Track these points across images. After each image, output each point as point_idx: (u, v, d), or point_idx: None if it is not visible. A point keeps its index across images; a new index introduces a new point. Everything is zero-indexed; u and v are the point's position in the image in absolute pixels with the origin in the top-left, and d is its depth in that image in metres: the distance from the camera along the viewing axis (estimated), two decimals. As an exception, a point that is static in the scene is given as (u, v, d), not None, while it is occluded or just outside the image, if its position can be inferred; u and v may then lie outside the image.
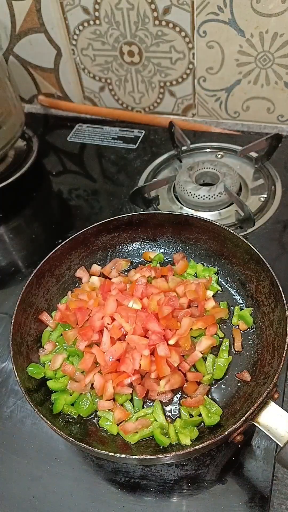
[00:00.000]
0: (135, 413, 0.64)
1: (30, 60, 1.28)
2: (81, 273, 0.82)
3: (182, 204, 0.99)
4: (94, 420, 0.65)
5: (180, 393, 0.67)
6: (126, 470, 0.62)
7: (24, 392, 0.61)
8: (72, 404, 0.66)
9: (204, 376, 0.66)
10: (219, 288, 0.78)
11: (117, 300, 0.71)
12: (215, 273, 0.80)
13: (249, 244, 0.73)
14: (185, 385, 0.66)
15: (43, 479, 0.63)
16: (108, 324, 0.69)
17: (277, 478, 0.63)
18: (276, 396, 0.56)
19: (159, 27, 1.07)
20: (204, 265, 0.82)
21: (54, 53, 1.23)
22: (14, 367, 0.64)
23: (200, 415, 0.63)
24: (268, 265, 0.69)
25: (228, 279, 0.79)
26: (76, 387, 0.66)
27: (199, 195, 0.95)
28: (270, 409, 0.54)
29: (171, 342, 0.66)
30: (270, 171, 1.03)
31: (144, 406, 0.66)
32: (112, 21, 1.10)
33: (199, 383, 0.66)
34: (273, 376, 0.58)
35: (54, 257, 0.78)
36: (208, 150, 1.12)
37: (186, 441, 0.59)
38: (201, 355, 0.67)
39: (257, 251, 0.71)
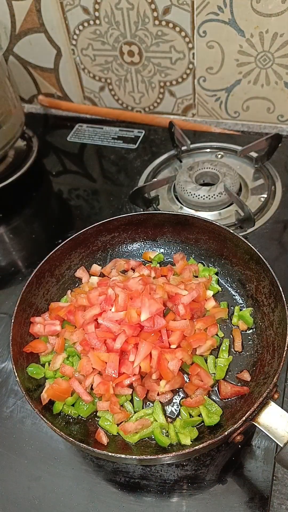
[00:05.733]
0: (135, 413, 0.64)
1: (30, 60, 1.28)
2: (81, 273, 0.82)
3: (182, 204, 0.99)
4: (94, 420, 0.65)
5: (180, 393, 0.67)
6: (126, 470, 0.62)
7: (24, 392, 0.61)
8: (73, 405, 0.66)
9: (209, 383, 0.66)
10: (219, 288, 0.78)
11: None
12: (215, 273, 0.80)
13: (249, 244, 0.73)
14: (185, 385, 0.66)
15: (43, 479, 0.63)
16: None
17: (277, 478, 0.63)
18: (276, 396, 0.56)
19: (159, 27, 1.07)
20: (204, 265, 0.82)
21: (54, 53, 1.23)
22: (14, 367, 0.64)
23: (200, 415, 0.63)
24: (268, 265, 0.69)
25: (228, 279, 0.79)
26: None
27: (199, 195, 0.95)
28: (270, 409, 0.54)
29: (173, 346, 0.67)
30: (270, 171, 1.03)
31: (144, 406, 0.66)
32: (112, 21, 1.10)
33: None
34: (273, 376, 0.58)
35: (54, 257, 0.78)
36: (208, 150, 1.12)
37: (186, 441, 0.59)
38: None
39: (257, 251, 0.71)
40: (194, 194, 0.95)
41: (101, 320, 0.68)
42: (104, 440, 0.60)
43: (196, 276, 0.79)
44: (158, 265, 0.84)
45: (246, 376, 0.66)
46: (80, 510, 0.59)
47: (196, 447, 0.53)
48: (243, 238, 0.74)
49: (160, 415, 0.63)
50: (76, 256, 0.83)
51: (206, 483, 0.60)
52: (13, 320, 0.68)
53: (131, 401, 0.66)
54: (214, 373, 0.67)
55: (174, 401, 0.66)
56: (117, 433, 0.63)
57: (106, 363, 0.64)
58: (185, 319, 0.69)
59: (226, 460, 0.62)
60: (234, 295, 0.78)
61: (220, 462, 0.61)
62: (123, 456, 0.54)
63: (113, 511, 0.59)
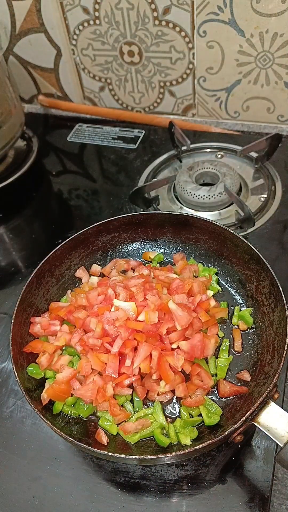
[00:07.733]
0: (135, 413, 0.64)
1: (30, 60, 1.28)
2: (81, 273, 0.82)
3: (182, 204, 0.99)
4: (94, 420, 0.65)
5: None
6: (126, 470, 0.62)
7: (24, 392, 0.61)
8: (73, 405, 0.66)
9: (209, 384, 0.66)
10: (219, 288, 0.78)
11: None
12: (215, 273, 0.80)
13: (249, 244, 0.73)
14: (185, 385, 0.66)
15: (43, 479, 0.63)
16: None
17: (277, 478, 0.63)
18: (276, 396, 0.56)
19: (159, 27, 1.07)
20: (204, 265, 0.82)
21: (54, 53, 1.23)
22: (14, 367, 0.64)
23: (200, 415, 0.63)
24: (268, 265, 0.69)
25: (228, 279, 0.79)
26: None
27: (199, 195, 0.95)
28: (270, 409, 0.54)
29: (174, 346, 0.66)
30: (270, 171, 1.03)
31: (144, 406, 0.66)
32: (112, 21, 1.10)
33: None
34: (273, 376, 0.58)
35: (54, 257, 0.78)
36: (208, 150, 1.12)
37: (186, 441, 0.59)
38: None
39: (257, 251, 0.71)
40: (194, 194, 0.95)
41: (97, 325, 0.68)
42: (104, 440, 0.60)
43: (196, 276, 0.79)
44: (158, 265, 0.84)
45: (246, 376, 0.66)
46: (80, 510, 0.59)
47: (196, 447, 0.53)
48: (243, 238, 0.74)
49: (160, 415, 0.63)
50: (76, 256, 0.83)
51: (206, 483, 0.60)
52: (13, 320, 0.68)
53: (131, 401, 0.66)
54: (216, 374, 0.67)
55: (174, 401, 0.66)
56: (117, 433, 0.63)
57: (106, 363, 0.64)
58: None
59: (226, 460, 0.62)
60: (234, 295, 0.78)
61: (220, 462, 0.62)
62: (123, 456, 0.54)
63: (113, 511, 0.59)
